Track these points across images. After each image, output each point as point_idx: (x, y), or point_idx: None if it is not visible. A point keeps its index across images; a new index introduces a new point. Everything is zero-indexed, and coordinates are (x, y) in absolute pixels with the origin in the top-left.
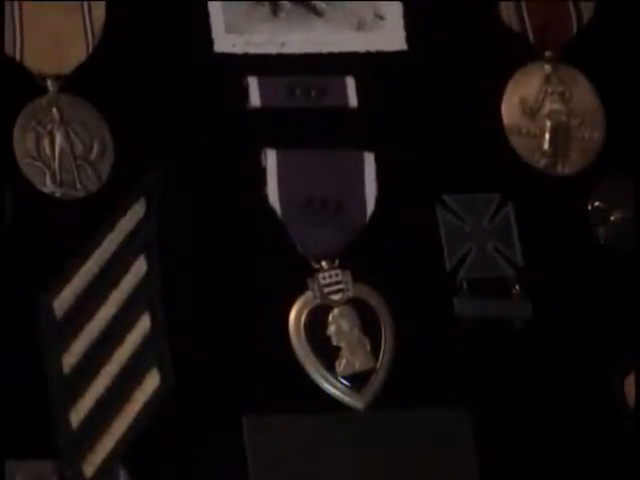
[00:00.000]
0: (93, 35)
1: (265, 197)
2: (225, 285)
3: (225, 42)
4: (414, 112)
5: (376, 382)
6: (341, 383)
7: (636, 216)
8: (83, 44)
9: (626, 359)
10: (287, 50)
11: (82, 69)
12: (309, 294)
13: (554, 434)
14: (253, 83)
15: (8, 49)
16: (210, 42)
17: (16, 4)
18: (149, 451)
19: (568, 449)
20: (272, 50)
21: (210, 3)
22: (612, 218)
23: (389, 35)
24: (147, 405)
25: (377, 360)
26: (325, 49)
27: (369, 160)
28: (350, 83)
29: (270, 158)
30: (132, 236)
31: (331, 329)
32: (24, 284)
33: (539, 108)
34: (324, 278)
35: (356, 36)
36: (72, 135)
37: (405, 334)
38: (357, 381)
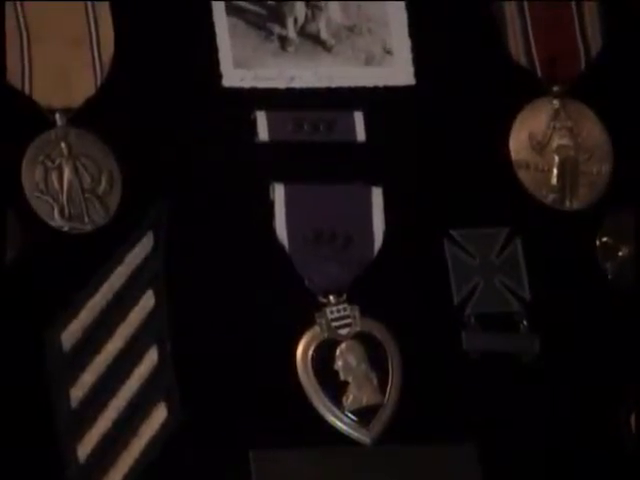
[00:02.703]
0: (101, 69)
1: (273, 231)
2: (233, 319)
3: (233, 76)
4: (422, 147)
5: (383, 417)
6: (348, 418)
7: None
8: (91, 78)
9: (632, 395)
10: (296, 84)
11: (91, 103)
12: (317, 328)
13: (560, 470)
14: (261, 117)
15: (16, 82)
16: (218, 76)
17: (25, 36)
18: None
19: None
20: (281, 84)
21: (219, 37)
22: (620, 254)
23: (397, 70)
24: (154, 439)
25: (384, 395)
26: (334, 84)
27: (377, 195)
28: (358, 118)
29: (278, 192)
30: (140, 270)
31: (338, 364)
32: (32, 317)
33: (547, 143)
34: (331, 312)
35: (364, 71)
36: (80, 169)
37: (413, 369)
38: (364, 416)
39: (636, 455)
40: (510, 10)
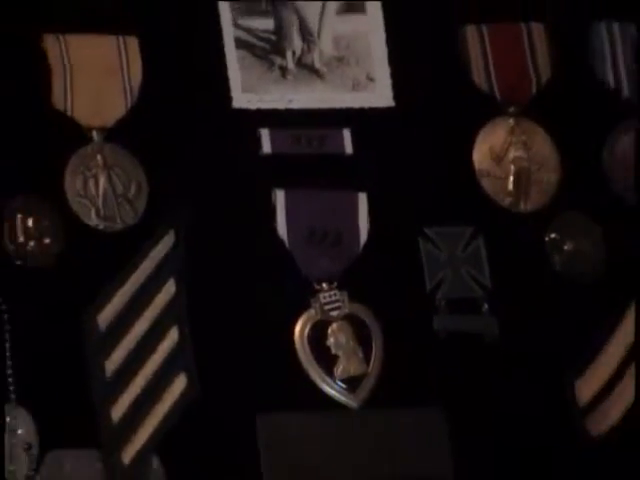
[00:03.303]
0: (131, 94)
1: (274, 230)
2: (241, 304)
3: (242, 100)
4: (400, 158)
5: (367, 385)
6: (338, 385)
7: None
8: (122, 101)
9: (576, 364)
10: (294, 106)
11: (122, 122)
12: (312, 311)
13: (514, 427)
14: (265, 134)
15: (60, 104)
16: (229, 100)
17: (67, 66)
18: (177, 443)
19: (526, 439)
20: (281, 106)
21: (230, 67)
22: (566, 248)
23: (379, 94)
24: (175, 404)
25: (369, 366)
26: (325, 105)
27: (362, 199)
28: (346, 134)
29: (279, 197)
30: (163, 263)
31: (330, 340)
32: (74, 302)
33: (504, 155)
34: (324, 298)
35: (351, 95)
36: (114, 177)
37: (392, 345)
38: (352, 384)
39: (576, 413)
40: (472, 37)
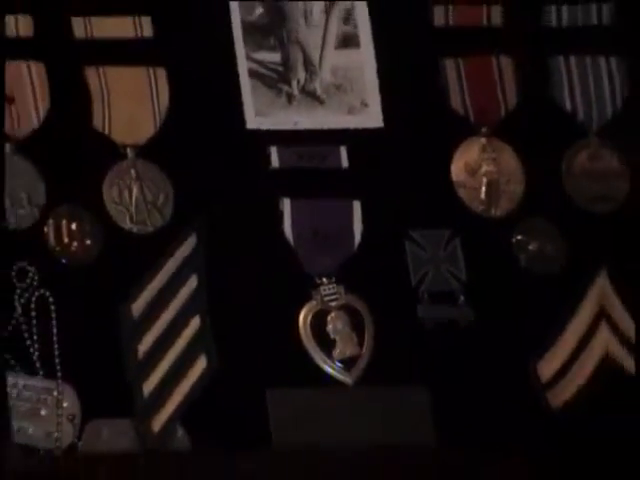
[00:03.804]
0: (160, 116)
1: (282, 233)
2: (253, 295)
3: (254, 122)
4: (389, 172)
5: (361, 365)
6: (336, 365)
7: (549, 246)
8: (152, 123)
9: (539, 347)
10: (298, 127)
11: (152, 141)
12: (313, 302)
13: (486, 400)
14: (274, 151)
15: (99, 125)
16: (243, 122)
17: (105, 92)
18: (199, 414)
19: (497, 410)
20: (288, 127)
21: (244, 94)
22: (530, 248)
23: (371, 117)
24: (198, 381)
25: (362, 349)
26: (325, 127)
27: (356, 206)
28: (343, 151)
29: (285, 205)
30: (186, 261)
31: (329, 327)
32: (111, 294)
33: (478, 169)
34: (324, 290)
35: (347, 118)
36: (144, 188)
37: (382, 330)
38: (347, 364)
39: (539, 388)
40: (450, 69)
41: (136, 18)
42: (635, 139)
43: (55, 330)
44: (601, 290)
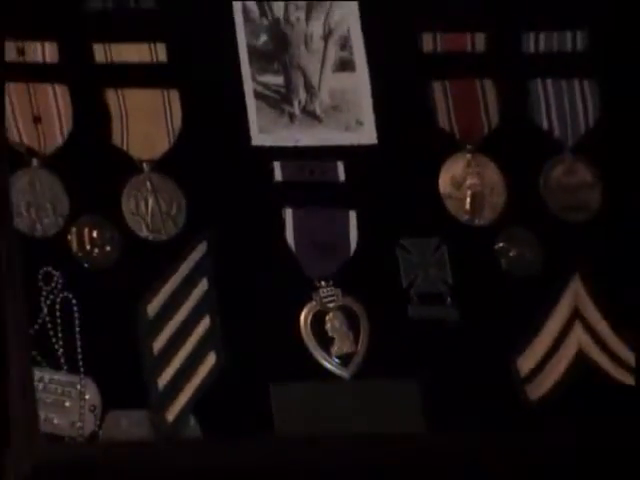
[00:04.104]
0: (173, 134)
1: (284, 240)
2: (258, 297)
3: (259, 139)
4: (382, 185)
5: (357, 361)
6: (334, 361)
7: (528, 252)
8: (166, 140)
9: (518, 344)
10: (300, 144)
11: (166, 156)
12: (313, 303)
13: (471, 392)
14: (277, 165)
15: (118, 142)
16: (249, 139)
17: (124, 112)
18: (209, 406)
19: (480, 402)
20: (290, 144)
21: (249, 113)
22: (510, 254)
23: (366, 134)
24: (208, 375)
25: (357, 346)
26: (324, 144)
27: (352, 216)
28: (340, 166)
29: (288, 215)
30: (198, 265)
31: (328, 326)
32: (129, 296)
33: (463, 182)
34: (323, 292)
35: (344, 135)
36: (159, 199)
37: (376, 329)
38: (344, 360)
39: (518, 382)
40: (438, 91)
41: (152, 45)
42: (606, 154)
43: (78, 329)
44: (575, 292)
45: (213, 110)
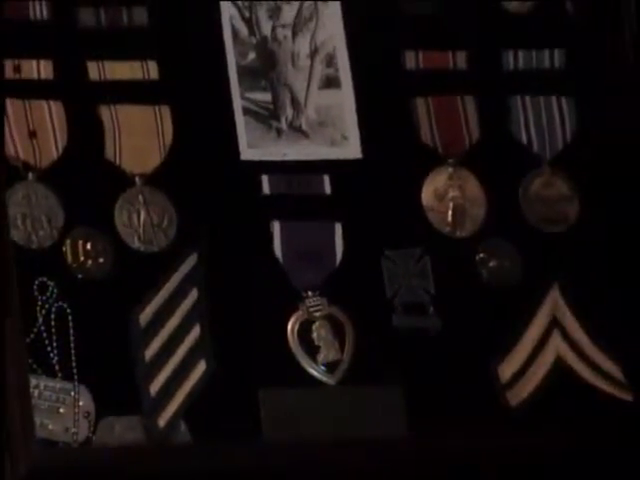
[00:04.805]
0: (165, 149)
1: (272, 251)
2: (247, 307)
3: (247, 153)
4: (367, 197)
5: (342, 368)
6: (320, 368)
7: (508, 263)
8: (158, 155)
9: (499, 351)
10: (287, 158)
11: (157, 170)
12: (300, 312)
13: (452, 399)
14: (265, 179)
15: (111, 157)
16: (238, 154)
17: (116, 128)
18: (199, 412)
19: (461, 407)
20: (277, 158)
21: (238, 129)
22: (490, 264)
23: (351, 149)
24: (198, 382)
25: (343, 354)
26: (311, 158)
27: (338, 228)
28: (326, 179)
29: (275, 227)
30: (188, 276)
31: (314, 334)
32: (122, 305)
33: (445, 195)
34: (309, 302)
35: (330, 150)
36: (151, 212)
37: (361, 337)
38: (330, 367)
39: (499, 388)
40: (420, 107)
41: (144, 62)
42: (583, 168)
43: (72, 338)
44: (554, 302)
45: (203, 126)
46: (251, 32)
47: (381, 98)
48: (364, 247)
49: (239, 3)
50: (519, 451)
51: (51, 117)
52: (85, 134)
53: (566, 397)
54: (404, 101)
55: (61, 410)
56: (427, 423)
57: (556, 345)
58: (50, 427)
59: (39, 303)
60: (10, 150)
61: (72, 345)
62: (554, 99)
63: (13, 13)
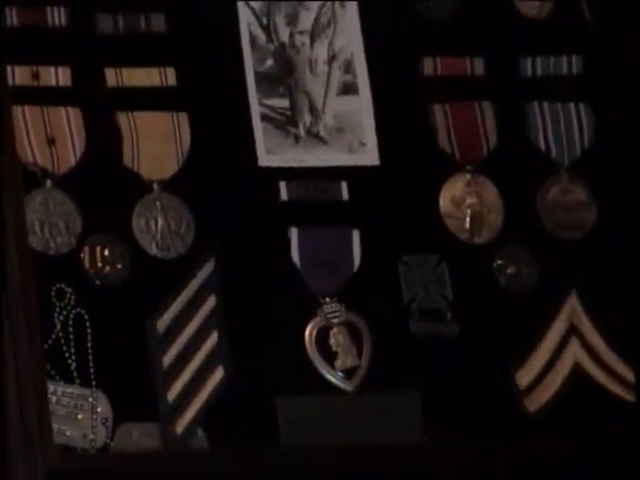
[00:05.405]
0: (182, 155)
1: (290, 257)
2: (264, 313)
3: (265, 160)
4: (384, 204)
5: (360, 374)
6: (338, 375)
7: (525, 269)
8: (176, 161)
9: (517, 357)
10: (305, 164)
11: (175, 177)
12: (318, 318)
13: (471, 405)
14: (283, 185)
15: (129, 163)
16: (255, 159)
17: (134, 134)
18: (217, 418)
19: (480, 414)
20: (295, 164)
21: (256, 135)
22: (508, 271)
23: (368, 155)
24: (216, 389)
25: (360, 360)
26: (328, 164)
27: (356, 234)
28: (344, 185)
29: (293, 233)
30: (206, 282)
31: (332, 341)
32: (140, 311)
33: (463, 202)
34: (327, 308)
35: (348, 156)
36: (169, 218)
37: (378, 343)
38: (348, 373)
39: (517, 394)
40: (438, 113)
41: (161, 69)
42: (601, 175)
43: (90, 344)
44: (571, 308)
45: (221, 132)
46: (269, 38)
47: (399, 104)
48: (382, 253)
49: (257, 9)
50: (537, 457)
51: (69, 123)
52: (103, 140)
53: (584, 403)
54: (422, 107)
55: (79, 416)
56: (445, 429)
57: (574, 352)
58: (68, 433)
59: (57, 309)
60: (28, 156)
61: (90, 351)
62: (572, 105)
63: (31, 20)
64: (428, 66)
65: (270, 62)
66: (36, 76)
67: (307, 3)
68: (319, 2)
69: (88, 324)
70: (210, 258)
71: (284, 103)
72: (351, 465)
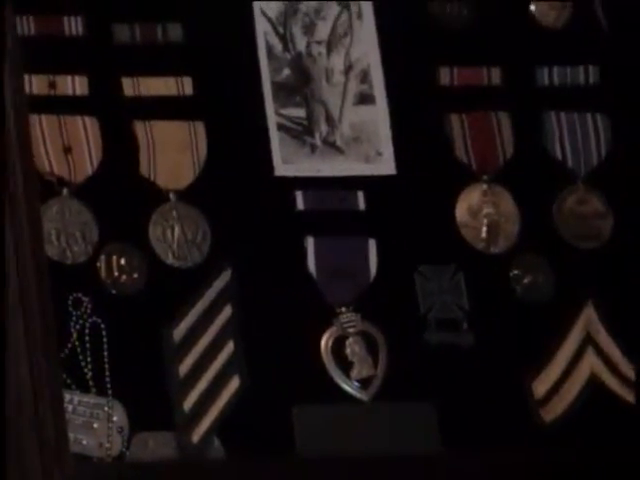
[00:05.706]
0: (199, 165)
1: (306, 267)
2: (281, 322)
3: (282, 169)
4: (401, 213)
5: (376, 384)
6: (354, 384)
7: (542, 279)
8: (192, 170)
9: (533, 367)
10: (321, 174)
11: (192, 186)
12: (334, 328)
13: (487, 415)
14: (299, 195)
15: (145, 173)
16: (272, 169)
17: (151, 144)
18: (233, 428)
19: (496, 424)
20: (311, 174)
21: (273, 145)
22: (525, 281)
23: (385, 165)
24: (232, 398)
25: (376, 370)
26: (345, 174)
27: (372, 244)
28: (360, 195)
29: (309, 242)
30: (222, 292)
31: (348, 350)
32: (156, 321)
33: (479, 211)
34: (343, 318)
35: (364, 166)
36: (185, 227)
37: (394, 353)
38: (364, 383)
39: (533, 404)
40: (455, 123)
41: (178, 78)
42: (618, 185)
43: (106, 353)
44: (588, 318)
45: (237, 142)
46: (285, 48)
47: (415, 114)
48: (398, 263)
49: (273, 19)
50: (553, 467)
51: (86, 133)
52: (119, 150)
53: (600, 414)
54: (438, 117)
55: (95, 425)
56: (461, 439)
57: (590, 362)
58: (84, 442)
59: (73, 318)
60: (44, 166)
61: (106, 360)
62: (589, 115)
63: (48, 29)
64: (445, 76)
65: (287, 72)
66: (53, 85)
67: (324, 13)
68: (335, 12)
69: (104, 333)
70: (226, 267)
71: (300, 113)
72: (366, 475)
